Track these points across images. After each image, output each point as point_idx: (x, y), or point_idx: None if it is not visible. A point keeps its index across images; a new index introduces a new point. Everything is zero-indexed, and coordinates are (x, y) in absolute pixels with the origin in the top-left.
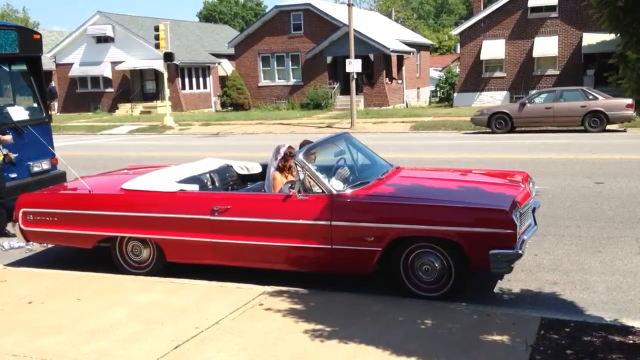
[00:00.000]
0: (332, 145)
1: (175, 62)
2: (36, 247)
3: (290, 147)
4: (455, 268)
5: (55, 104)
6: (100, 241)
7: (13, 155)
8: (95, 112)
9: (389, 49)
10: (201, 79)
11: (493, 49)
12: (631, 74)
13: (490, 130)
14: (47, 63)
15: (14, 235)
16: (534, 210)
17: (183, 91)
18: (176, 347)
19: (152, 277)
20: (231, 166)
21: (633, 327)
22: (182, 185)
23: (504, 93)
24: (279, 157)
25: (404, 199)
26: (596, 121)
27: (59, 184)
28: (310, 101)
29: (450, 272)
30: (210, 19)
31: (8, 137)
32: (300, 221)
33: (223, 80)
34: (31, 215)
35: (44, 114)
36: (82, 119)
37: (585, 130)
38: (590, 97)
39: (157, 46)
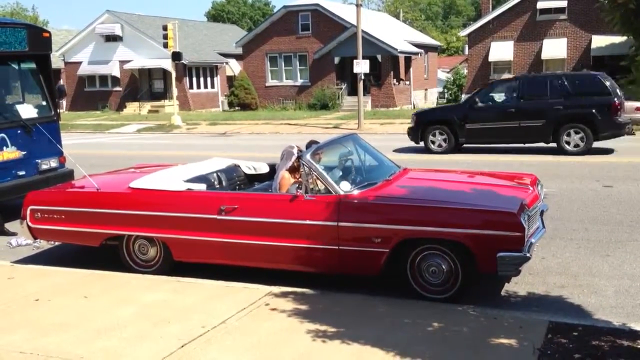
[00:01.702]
0: (340, 146)
1: (183, 61)
2: (44, 245)
3: (299, 147)
4: (463, 270)
5: (64, 102)
6: (108, 239)
7: (20, 153)
8: (103, 111)
9: (396, 50)
10: (209, 79)
11: (501, 50)
12: None
13: None
14: (55, 61)
15: (13, 234)
16: (542, 213)
17: (191, 90)
18: (182, 346)
19: (159, 276)
20: (238, 166)
21: None
22: (189, 185)
23: None
24: (293, 158)
25: (411, 200)
26: None
27: (67, 182)
28: (317, 102)
29: (457, 274)
30: (218, 19)
31: None
32: (307, 222)
33: (230, 80)
34: (39, 213)
35: (53, 112)
36: (90, 117)
37: None
38: None
39: (166, 45)
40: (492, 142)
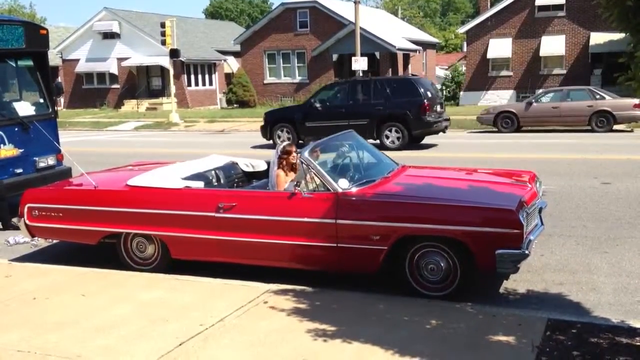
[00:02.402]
0: (338, 143)
1: (181, 58)
2: (41, 243)
3: (288, 144)
4: (461, 268)
5: (62, 100)
6: (105, 237)
7: (18, 151)
8: (101, 108)
9: (395, 47)
10: (207, 76)
11: (500, 47)
12: None
13: (497, 130)
14: (53, 59)
15: (18, 229)
16: (540, 210)
17: (189, 88)
18: (180, 345)
19: (157, 274)
20: (236, 163)
21: None
22: (187, 182)
23: (511, 92)
24: (276, 154)
25: (409, 197)
26: (603, 121)
27: (65, 179)
28: None
29: (455, 271)
30: (216, 16)
31: None
32: (306, 219)
33: (229, 77)
34: (36, 211)
35: (50, 110)
36: (88, 115)
37: (592, 130)
38: (597, 96)
39: (163, 42)
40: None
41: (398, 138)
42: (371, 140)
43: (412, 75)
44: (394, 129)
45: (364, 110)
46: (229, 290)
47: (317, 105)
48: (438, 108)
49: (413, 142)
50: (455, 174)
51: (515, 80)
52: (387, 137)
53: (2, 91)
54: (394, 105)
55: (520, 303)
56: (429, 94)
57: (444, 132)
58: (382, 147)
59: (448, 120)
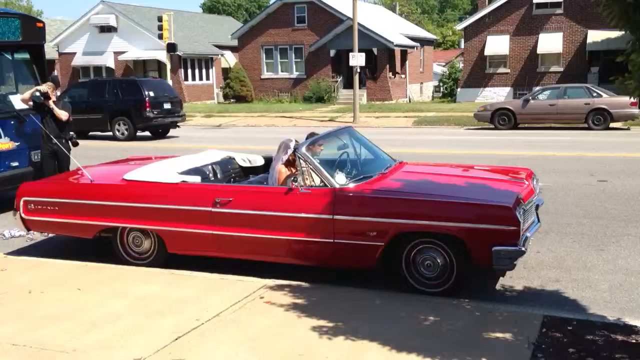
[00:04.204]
0: (336, 139)
1: (178, 53)
2: (37, 236)
3: (297, 141)
4: (458, 264)
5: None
6: (102, 231)
7: (14, 144)
8: None
9: (392, 43)
10: (204, 71)
11: (497, 44)
12: (638, 75)
13: (494, 127)
14: (49, 52)
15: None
16: (537, 208)
17: (186, 82)
18: (176, 339)
19: (153, 269)
20: (233, 158)
21: (636, 326)
22: (184, 177)
23: (508, 89)
24: (289, 151)
25: (406, 194)
26: (600, 119)
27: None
28: (313, 94)
29: (452, 268)
30: (214, 10)
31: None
32: (303, 214)
33: (226, 72)
34: (32, 204)
35: None
36: None
37: (589, 128)
38: (594, 94)
39: (161, 37)
40: (76, 130)
41: (126, 130)
42: (108, 133)
43: (153, 77)
44: (122, 122)
45: (100, 106)
46: (225, 285)
47: (66, 100)
48: (167, 106)
49: (160, 136)
50: (452, 170)
51: (512, 77)
52: (118, 130)
53: None
54: (122, 102)
55: (517, 300)
56: (152, 94)
57: (173, 127)
58: (114, 138)
59: (181, 117)
